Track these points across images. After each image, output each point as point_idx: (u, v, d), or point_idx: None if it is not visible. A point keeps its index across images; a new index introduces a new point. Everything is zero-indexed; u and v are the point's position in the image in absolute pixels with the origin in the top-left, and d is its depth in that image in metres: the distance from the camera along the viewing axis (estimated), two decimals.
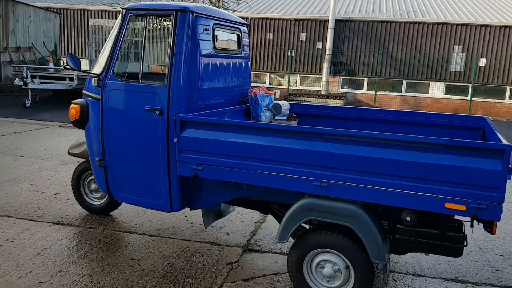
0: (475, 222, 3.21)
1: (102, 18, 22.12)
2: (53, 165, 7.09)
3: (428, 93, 20.79)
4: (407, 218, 3.09)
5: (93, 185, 4.99)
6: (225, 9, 18.60)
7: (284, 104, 4.92)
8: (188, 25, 3.76)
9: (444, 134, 4.30)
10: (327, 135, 3.15)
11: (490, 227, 3.04)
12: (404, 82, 21.05)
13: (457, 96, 20.47)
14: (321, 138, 3.16)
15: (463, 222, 3.29)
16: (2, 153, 7.70)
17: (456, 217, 3.34)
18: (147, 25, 3.89)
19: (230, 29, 4.43)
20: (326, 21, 21.46)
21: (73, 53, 22.61)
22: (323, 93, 21.61)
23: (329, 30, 21.33)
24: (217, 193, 3.96)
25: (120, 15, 3.99)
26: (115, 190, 4.18)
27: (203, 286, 3.62)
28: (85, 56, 21.84)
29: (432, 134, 4.34)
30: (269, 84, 22.85)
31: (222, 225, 4.93)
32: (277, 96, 22.11)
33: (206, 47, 3.95)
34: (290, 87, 22.77)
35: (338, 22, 21.44)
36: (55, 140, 9.03)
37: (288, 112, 4.94)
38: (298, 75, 22.83)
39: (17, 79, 13.00)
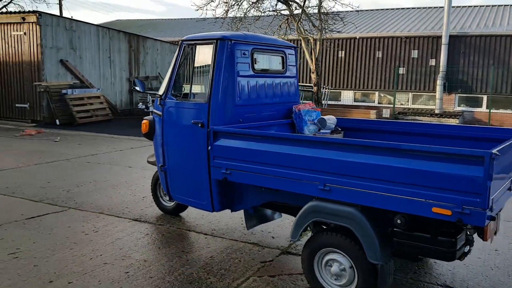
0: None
1: None
2: (152, 174, 8.21)
3: None
4: (398, 221, 3.25)
5: None
6: (331, 31, 19.02)
7: (330, 119, 5.26)
8: (227, 51, 4.39)
9: (468, 146, 4.28)
10: (326, 143, 3.49)
11: (481, 234, 3.07)
12: None
13: None
14: (321, 146, 3.51)
15: (466, 229, 3.31)
16: (115, 164, 9.13)
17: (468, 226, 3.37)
18: (196, 52, 4.62)
19: (272, 52, 4.96)
20: (439, 37, 20.62)
21: None
22: (436, 111, 20.64)
23: (442, 46, 20.47)
24: (251, 197, 4.46)
25: (178, 46, 4.79)
26: (173, 191, 4.94)
27: (231, 277, 4.13)
28: None
29: (456, 146, 4.34)
30: (378, 103, 22.54)
31: (271, 230, 5.38)
32: (386, 115, 21.69)
33: (243, 69, 4.54)
34: (401, 106, 22.18)
35: (452, 37, 20.46)
36: None
37: (333, 126, 5.26)
38: (410, 93, 22.16)
39: (140, 103, 15.00)
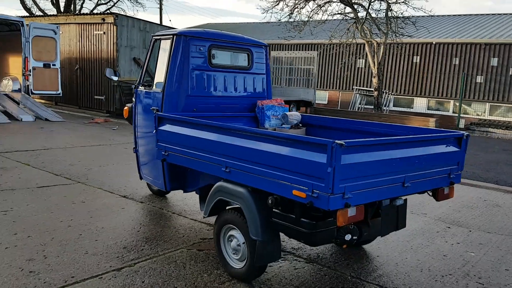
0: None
1: (279, 50, 24.63)
2: None
3: None
4: (269, 202, 3.47)
5: None
6: (401, 35, 18.51)
7: (293, 115, 5.50)
8: (182, 46, 4.87)
9: None
10: (222, 129, 3.84)
11: (334, 218, 3.19)
12: None
13: None
14: (220, 132, 3.86)
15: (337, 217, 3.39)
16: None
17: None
18: (160, 47, 5.15)
19: (234, 49, 5.32)
20: None
21: None
22: None
23: None
24: (196, 179, 4.89)
25: (150, 40, 5.38)
26: (141, 171, 5.53)
27: (163, 247, 4.59)
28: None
29: None
30: (453, 112, 21.37)
31: None
32: (460, 126, 20.49)
33: (199, 63, 4.98)
34: (477, 116, 20.85)
35: None
36: None
37: (295, 122, 5.49)
38: (487, 103, 20.75)
39: None
